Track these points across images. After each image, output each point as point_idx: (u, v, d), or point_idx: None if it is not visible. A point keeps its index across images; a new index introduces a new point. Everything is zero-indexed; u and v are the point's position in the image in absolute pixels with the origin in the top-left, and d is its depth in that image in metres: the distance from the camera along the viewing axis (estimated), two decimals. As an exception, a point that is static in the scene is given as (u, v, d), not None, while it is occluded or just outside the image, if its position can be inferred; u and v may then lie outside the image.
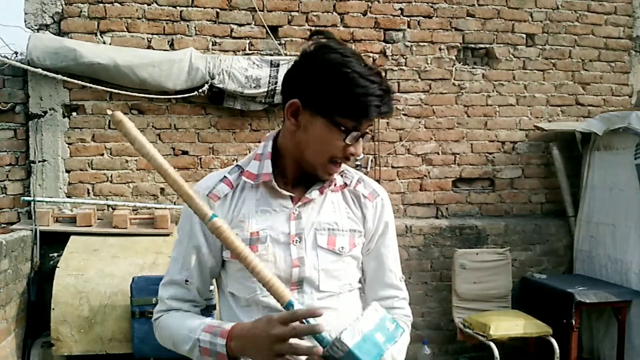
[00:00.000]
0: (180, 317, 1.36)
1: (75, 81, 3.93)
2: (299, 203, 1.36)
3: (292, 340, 1.14)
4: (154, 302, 3.22)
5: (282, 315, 1.16)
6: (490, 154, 4.64)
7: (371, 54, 4.41)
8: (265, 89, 4.03)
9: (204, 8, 4.17)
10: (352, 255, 1.40)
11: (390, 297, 1.46)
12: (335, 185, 1.41)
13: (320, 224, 1.37)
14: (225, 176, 1.39)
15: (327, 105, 1.25)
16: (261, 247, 1.33)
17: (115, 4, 4.06)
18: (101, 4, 4.04)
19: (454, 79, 4.55)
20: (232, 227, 1.27)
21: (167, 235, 3.87)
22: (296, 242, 1.34)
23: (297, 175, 1.39)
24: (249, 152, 4.26)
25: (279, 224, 1.35)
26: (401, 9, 4.45)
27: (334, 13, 4.35)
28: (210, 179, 1.40)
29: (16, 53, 3.99)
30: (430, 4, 4.49)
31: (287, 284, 1.27)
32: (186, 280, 1.38)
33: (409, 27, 4.46)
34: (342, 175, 1.43)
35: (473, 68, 4.61)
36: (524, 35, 4.66)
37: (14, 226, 3.85)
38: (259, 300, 1.32)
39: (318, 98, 1.26)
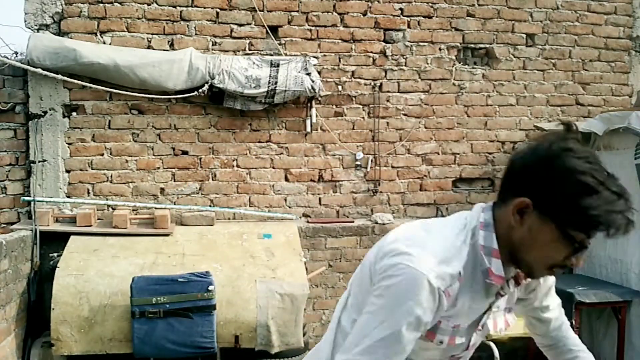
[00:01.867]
0: None
1: (75, 81, 3.93)
2: (499, 298, 1.31)
3: None
4: (154, 302, 3.25)
5: None
6: (490, 154, 4.64)
7: (371, 54, 4.42)
8: (265, 89, 4.03)
9: (204, 8, 4.17)
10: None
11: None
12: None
13: (499, 309, 1.35)
14: (460, 273, 1.21)
15: (563, 215, 1.13)
16: (458, 339, 1.29)
17: (115, 4, 4.07)
18: (101, 4, 4.04)
19: (454, 79, 4.55)
20: (438, 317, 1.21)
21: (167, 235, 3.87)
22: (479, 331, 1.34)
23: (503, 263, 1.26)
24: (249, 152, 4.28)
25: (478, 315, 1.31)
26: (401, 9, 4.44)
27: (334, 13, 4.35)
28: (448, 268, 1.19)
29: (16, 53, 3.99)
30: (430, 4, 4.49)
31: None
32: None
33: (409, 27, 4.46)
34: None
35: (473, 68, 4.61)
36: (524, 35, 4.66)
37: (14, 226, 3.85)
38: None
39: (554, 205, 1.14)
